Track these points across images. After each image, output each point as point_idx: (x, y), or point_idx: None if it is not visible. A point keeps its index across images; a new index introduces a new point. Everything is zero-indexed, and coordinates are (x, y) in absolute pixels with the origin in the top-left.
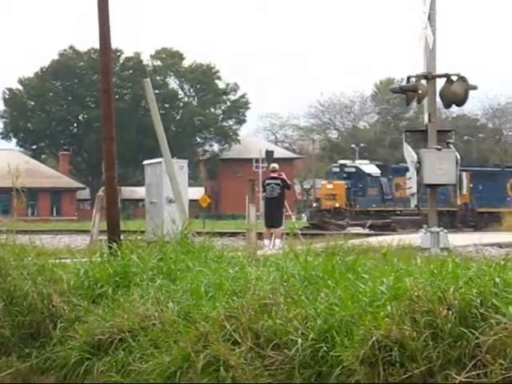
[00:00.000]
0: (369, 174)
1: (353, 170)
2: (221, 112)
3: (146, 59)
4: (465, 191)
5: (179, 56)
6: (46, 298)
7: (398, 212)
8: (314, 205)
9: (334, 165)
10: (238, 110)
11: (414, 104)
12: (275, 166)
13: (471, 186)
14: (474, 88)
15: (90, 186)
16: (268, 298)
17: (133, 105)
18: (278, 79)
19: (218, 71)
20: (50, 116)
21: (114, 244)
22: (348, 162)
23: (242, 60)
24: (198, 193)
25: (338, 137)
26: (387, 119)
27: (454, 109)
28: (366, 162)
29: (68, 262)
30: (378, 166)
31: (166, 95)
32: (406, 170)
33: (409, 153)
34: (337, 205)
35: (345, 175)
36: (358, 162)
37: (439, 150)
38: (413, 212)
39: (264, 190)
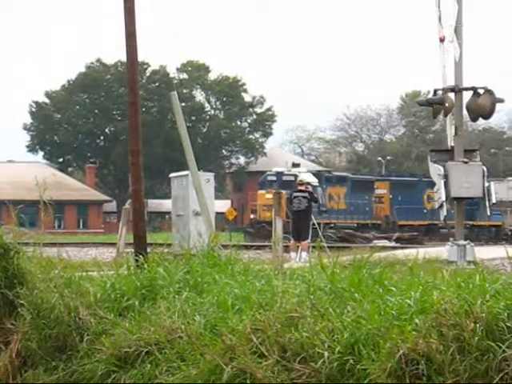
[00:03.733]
0: (308, 183)
1: (292, 178)
2: (247, 125)
3: (172, 72)
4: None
5: (205, 69)
6: (73, 311)
7: (332, 225)
8: (252, 216)
9: (269, 173)
10: (265, 122)
11: (441, 117)
12: (302, 179)
13: (391, 197)
14: (501, 101)
15: (117, 199)
16: (295, 311)
17: (159, 117)
18: (305, 92)
19: (244, 84)
20: (76, 129)
21: (141, 257)
22: (285, 170)
23: (269, 73)
24: (224, 206)
25: (364, 150)
26: (414, 132)
27: (481, 122)
28: (304, 169)
29: (95, 274)
30: (313, 174)
31: (193, 108)
32: (339, 179)
33: (434, 170)
34: None
35: (282, 184)
36: (295, 170)
37: (466, 163)
38: (346, 225)
39: (291, 203)
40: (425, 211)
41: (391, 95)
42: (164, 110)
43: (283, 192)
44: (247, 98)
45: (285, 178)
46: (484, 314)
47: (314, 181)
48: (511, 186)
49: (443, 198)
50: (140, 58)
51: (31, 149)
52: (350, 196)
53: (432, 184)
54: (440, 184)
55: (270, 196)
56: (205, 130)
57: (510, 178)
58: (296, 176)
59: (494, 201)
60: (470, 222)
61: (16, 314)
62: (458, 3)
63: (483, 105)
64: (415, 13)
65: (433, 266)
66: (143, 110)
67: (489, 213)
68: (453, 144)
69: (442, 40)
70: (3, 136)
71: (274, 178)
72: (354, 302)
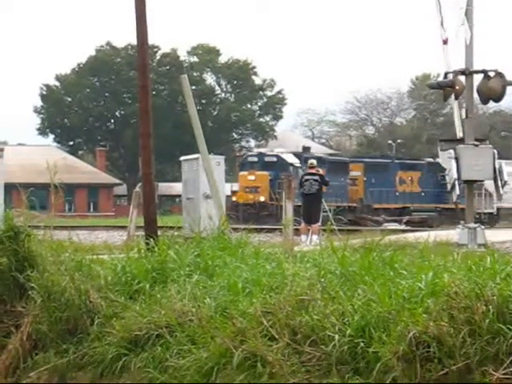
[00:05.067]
0: (291, 164)
1: (274, 159)
2: (257, 108)
3: (182, 55)
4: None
5: (216, 52)
6: (84, 294)
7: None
8: (234, 199)
9: (249, 153)
10: (275, 105)
11: (451, 100)
12: (313, 162)
13: (365, 179)
14: None
15: (127, 182)
16: (305, 294)
17: (170, 101)
18: (316, 75)
19: (254, 67)
20: (86, 112)
21: (151, 240)
22: (267, 151)
23: (279, 56)
24: (234, 189)
25: (374, 133)
26: (424, 115)
27: (491, 104)
28: (284, 150)
29: (105, 257)
30: (294, 154)
31: (203, 91)
32: (317, 160)
33: (444, 155)
34: (262, 198)
35: (264, 165)
36: (277, 151)
37: (476, 146)
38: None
39: (301, 186)
40: (397, 194)
41: (402, 78)
42: (174, 93)
43: (267, 174)
44: (257, 81)
45: (267, 158)
46: (495, 297)
47: (296, 162)
48: None
49: (455, 176)
50: (150, 41)
51: (42, 132)
52: (327, 178)
53: (404, 166)
54: (451, 164)
55: (252, 177)
56: (215, 113)
57: None
58: (278, 156)
59: (505, 179)
60: (441, 205)
61: (27, 297)
62: None
63: (494, 88)
64: None
65: (443, 249)
66: (153, 93)
67: (501, 191)
68: (461, 134)
69: (445, 42)
70: (14, 119)
71: (256, 159)
72: (365, 285)
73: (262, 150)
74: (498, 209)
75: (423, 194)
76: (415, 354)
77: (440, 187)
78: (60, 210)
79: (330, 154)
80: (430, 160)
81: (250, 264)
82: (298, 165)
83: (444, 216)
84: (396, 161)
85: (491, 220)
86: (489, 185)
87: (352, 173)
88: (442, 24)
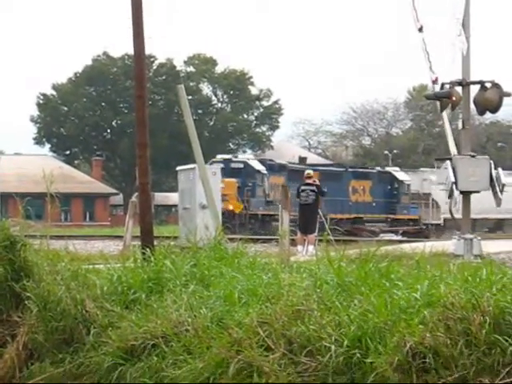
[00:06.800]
0: (258, 171)
1: (241, 165)
2: (254, 118)
3: (179, 65)
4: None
5: (212, 62)
6: (80, 304)
7: (277, 217)
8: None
9: (214, 159)
10: (271, 116)
11: (448, 111)
12: (310, 172)
13: None
14: (509, 95)
15: (123, 192)
16: (301, 305)
17: (166, 111)
18: (313, 85)
19: (251, 77)
20: (83, 121)
21: (148, 250)
22: (232, 157)
23: (276, 66)
24: None
25: (371, 143)
26: (421, 126)
27: (488, 115)
28: (252, 156)
29: (101, 267)
30: (259, 161)
31: (200, 101)
32: (280, 167)
33: (441, 170)
34: (230, 207)
35: (231, 172)
36: (244, 157)
37: (473, 156)
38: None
39: (298, 196)
40: (350, 204)
41: (398, 88)
42: (171, 103)
43: (234, 181)
44: (254, 91)
45: (233, 165)
46: (491, 308)
47: (262, 169)
48: (426, 178)
49: (452, 180)
50: (147, 51)
51: (38, 141)
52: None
53: (357, 174)
54: (448, 172)
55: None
56: (212, 123)
57: (423, 169)
58: (245, 163)
59: (503, 182)
60: (391, 216)
61: (23, 307)
62: None
63: (491, 98)
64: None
65: (439, 260)
66: (150, 103)
67: (500, 196)
68: (456, 152)
69: (434, 82)
70: (10, 128)
71: (222, 166)
72: (361, 296)
73: (227, 156)
74: (445, 220)
75: (374, 204)
76: (411, 365)
77: (390, 197)
78: (56, 220)
79: (290, 162)
80: (380, 169)
81: (246, 274)
82: (265, 172)
83: (394, 226)
84: (349, 169)
85: (438, 231)
86: (436, 195)
87: None
88: (430, 68)
